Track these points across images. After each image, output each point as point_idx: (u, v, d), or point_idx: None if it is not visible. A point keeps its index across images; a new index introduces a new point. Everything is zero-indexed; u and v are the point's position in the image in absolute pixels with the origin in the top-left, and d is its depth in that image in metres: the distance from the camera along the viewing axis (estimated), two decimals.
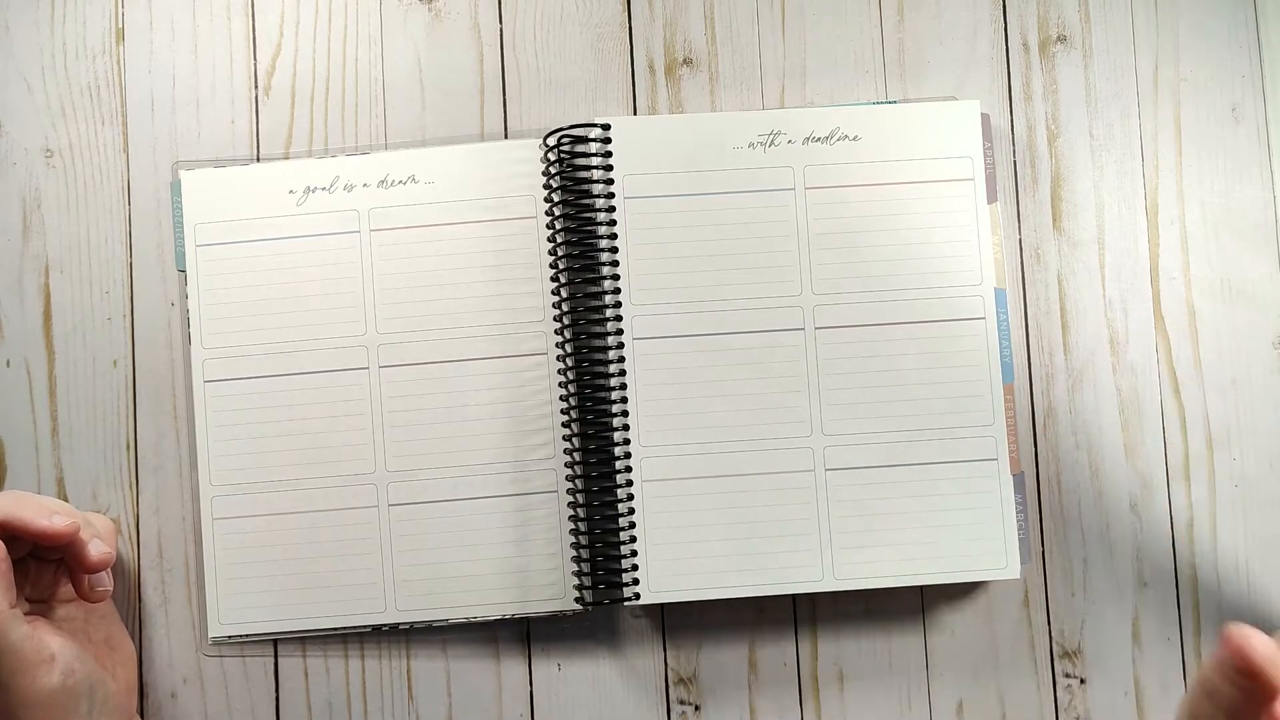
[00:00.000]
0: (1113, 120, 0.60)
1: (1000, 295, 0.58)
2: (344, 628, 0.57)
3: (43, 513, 0.50)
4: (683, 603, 0.57)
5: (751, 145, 0.58)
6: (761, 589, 0.56)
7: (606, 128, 0.57)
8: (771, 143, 0.58)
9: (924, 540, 0.56)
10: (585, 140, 0.57)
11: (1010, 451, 0.57)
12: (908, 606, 0.59)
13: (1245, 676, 0.45)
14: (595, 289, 0.57)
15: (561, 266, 0.57)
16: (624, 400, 0.56)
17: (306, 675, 0.58)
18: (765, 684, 0.58)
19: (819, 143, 0.58)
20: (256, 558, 0.57)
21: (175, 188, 0.59)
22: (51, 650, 0.50)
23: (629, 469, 0.56)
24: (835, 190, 0.58)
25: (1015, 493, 0.57)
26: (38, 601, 0.53)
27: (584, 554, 0.56)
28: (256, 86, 0.60)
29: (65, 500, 0.58)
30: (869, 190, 0.58)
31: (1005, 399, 0.57)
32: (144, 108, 0.60)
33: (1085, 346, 0.60)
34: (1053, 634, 0.59)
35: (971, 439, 0.57)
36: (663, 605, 0.58)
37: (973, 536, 0.56)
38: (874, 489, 0.57)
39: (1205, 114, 0.61)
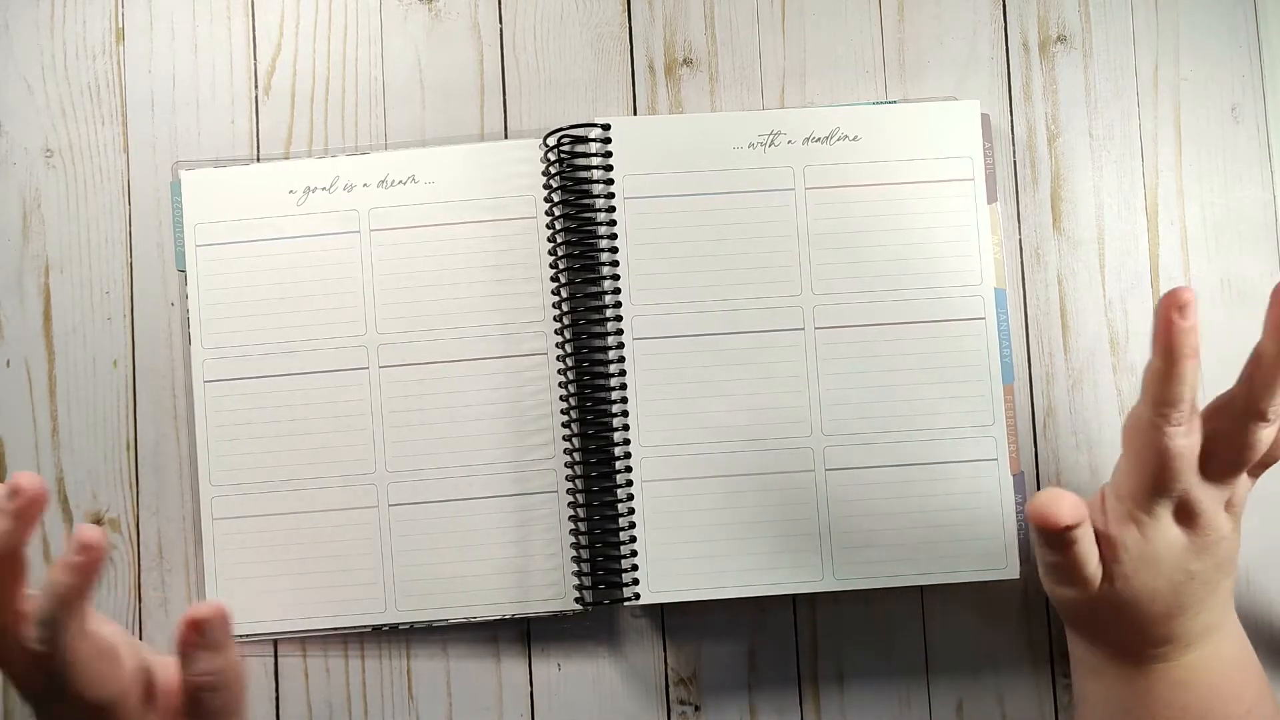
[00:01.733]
0: (1113, 120, 0.60)
1: (1000, 295, 0.57)
2: (344, 628, 0.57)
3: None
4: (683, 603, 0.57)
5: (751, 145, 0.58)
6: (762, 589, 0.56)
7: (606, 128, 0.57)
8: (771, 143, 0.58)
9: (924, 540, 0.56)
10: (585, 140, 0.57)
11: (1010, 452, 0.57)
12: (908, 606, 0.59)
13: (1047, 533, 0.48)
14: (595, 289, 0.57)
15: (562, 266, 0.57)
16: (624, 400, 0.56)
17: (306, 675, 0.58)
18: (765, 684, 0.58)
19: (819, 143, 0.58)
20: (256, 558, 0.57)
21: (175, 188, 0.59)
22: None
23: (629, 469, 0.56)
24: (835, 190, 0.57)
25: (1015, 493, 0.57)
26: None
27: (584, 554, 0.56)
28: (256, 86, 0.60)
29: (65, 500, 0.58)
30: (869, 190, 0.58)
31: (1005, 399, 0.57)
32: (144, 108, 0.60)
33: (1085, 346, 0.60)
34: (1052, 634, 0.59)
35: (971, 439, 0.57)
36: (663, 605, 0.58)
37: (973, 537, 0.56)
38: (874, 489, 0.57)
39: (1205, 114, 0.61)
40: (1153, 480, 0.48)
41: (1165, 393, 0.47)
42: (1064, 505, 0.47)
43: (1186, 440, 0.47)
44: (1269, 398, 0.46)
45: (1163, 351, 0.46)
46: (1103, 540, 0.50)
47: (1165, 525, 0.49)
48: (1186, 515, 0.49)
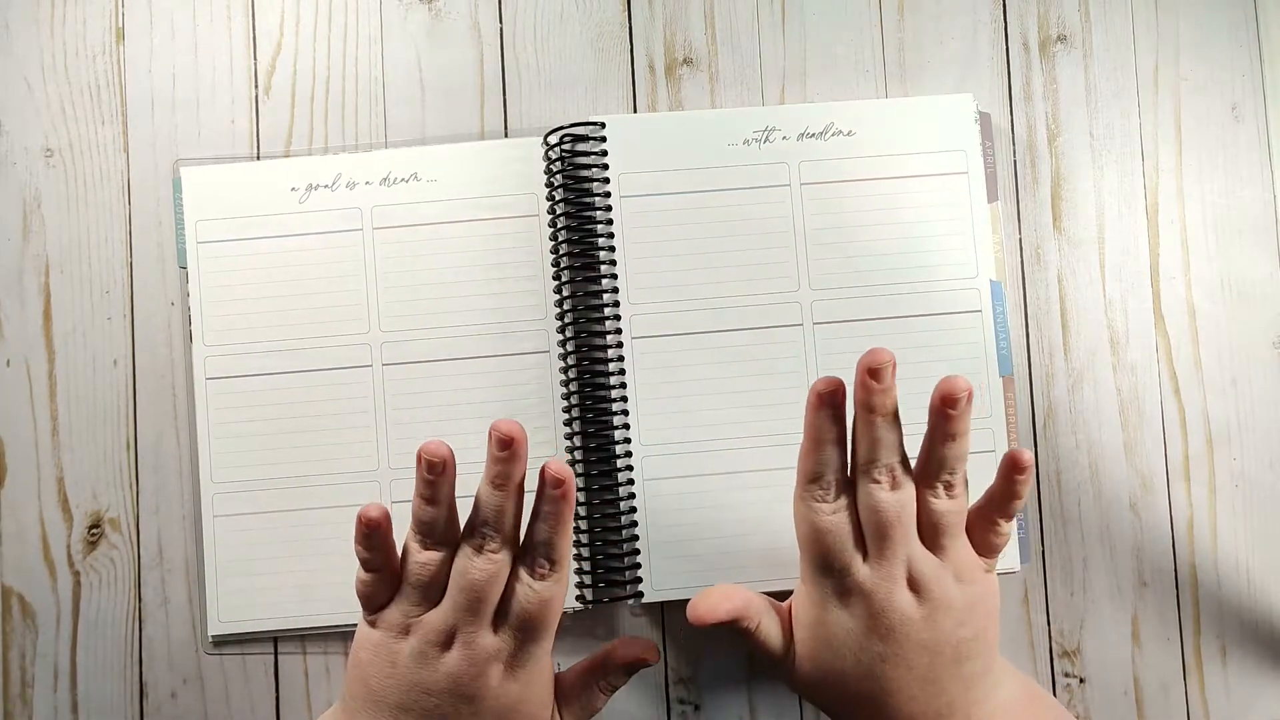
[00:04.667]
0: (1113, 120, 0.61)
1: (996, 288, 0.57)
2: (346, 625, 0.57)
3: None
4: (684, 601, 0.57)
5: (746, 142, 0.58)
6: (765, 586, 0.56)
7: (602, 125, 0.57)
8: (766, 139, 0.58)
9: None
10: (586, 139, 0.57)
11: (1010, 444, 0.57)
12: None
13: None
14: (595, 288, 0.57)
15: (563, 265, 0.57)
16: (624, 399, 0.56)
17: (307, 675, 0.58)
18: (765, 684, 0.58)
19: (813, 138, 0.58)
20: (258, 555, 0.57)
21: (176, 184, 0.59)
22: None
23: (630, 467, 0.56)
24: (831, 186, 0.58)
25: None
26: None
27: (585, 552, 0.56)
28: (256, 86, 0.60)
29: (65, 500, 0.58)
30: (864, 185, 0.58)
31: (1005, 392, 0.57)
32: (144, 107, 0.60)
33: (1085, 346, 0.60)
34: (1052, 634, 0.59)
35: (970, 431, 0.56)
36: (663, 604, 0.58)
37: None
38: None
39: (1205, 114, 0.61)
40: (812, 559, 0.50)
41: (808, 470, 0.50)
42: (718, 608, 0.51)
43: (834, 517, 0.49)
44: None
45: (808, 431, 0.50)
46: (788, 622, 0.52)
47: (834, 606, 0.49)
48: (851, 595, 0.49)
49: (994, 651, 0.50)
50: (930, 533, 0.49)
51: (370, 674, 0.49)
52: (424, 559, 0.49)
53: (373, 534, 0.49)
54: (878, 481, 0.49)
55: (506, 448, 0.48)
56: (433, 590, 0.49)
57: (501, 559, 0.49)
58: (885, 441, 0.49)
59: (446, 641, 0.49)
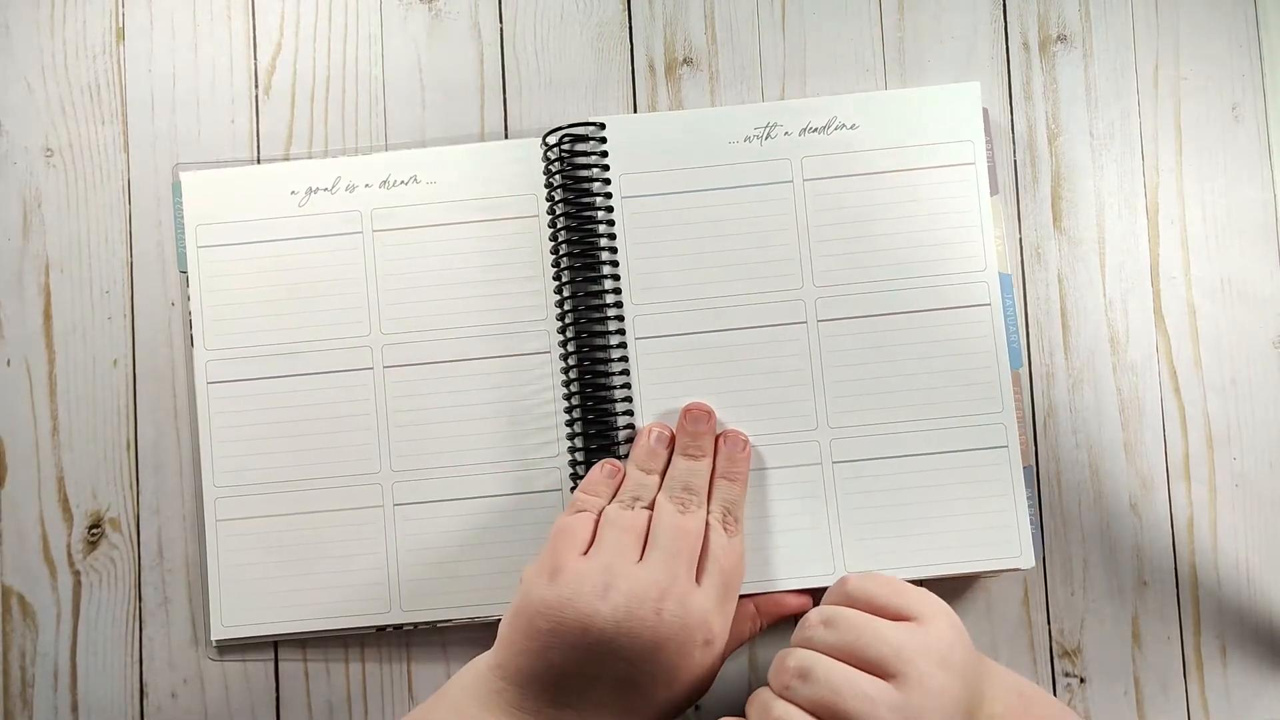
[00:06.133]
0: (1113, 120, 0.61)
1: (1005, 281, 0.57)
2: (349, 628, 0.57)
3: None
4: None
5: (748, 139, 0.58)
6: (771, 584, 0.56)
7: (602, 126, 0.57)
8: (768, 135, 0.57)
9: (935, 531, 0.56)
10: (585, 139, 0.57)
11: (1020, 442, 0.57)
12: None
13: None
14: (596, 288, 0.57)
15: (563, 266, 0.57)
16: (627, 400, 0.56)
17: (307, 676, 0.58)
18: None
19: (816, 133, 0.58)
20: (261, 559, 0.57)
21: (176, 189, 0.58)
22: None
23: None
24: (834, 181, 0.57)
25: (1025, 487, 0.57)
26: None
27: None
28: (256, 86, 0.60)
29: (65, 500, 0.58)
30: (868, 179, 0.57)
31: (1014, 386, 0.57)
32: (144, 107, 0.60)
33: (1085, 346, 0.60)
34: (1052, 633, 0.59)
35: (981, 426, 0.56)
36: None
37: (985, 525, 0.56)
38: (883, 480, 0.56)
39: (1205, 114, 0.61)
40: None
41: None
42: None
43: None
44: None
45: None
46: None
47: None
48: None
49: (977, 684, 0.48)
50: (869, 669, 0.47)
51: (553, 644, 0.48)
52: (637, 513, 0.52)
53: (617, 472, 0.55)
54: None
55: (703, 421, 0.55)
56: (643, 539, 0.51)
57: (703, 515, 0.52)
58: None
59: (660, 597, 0.49)
